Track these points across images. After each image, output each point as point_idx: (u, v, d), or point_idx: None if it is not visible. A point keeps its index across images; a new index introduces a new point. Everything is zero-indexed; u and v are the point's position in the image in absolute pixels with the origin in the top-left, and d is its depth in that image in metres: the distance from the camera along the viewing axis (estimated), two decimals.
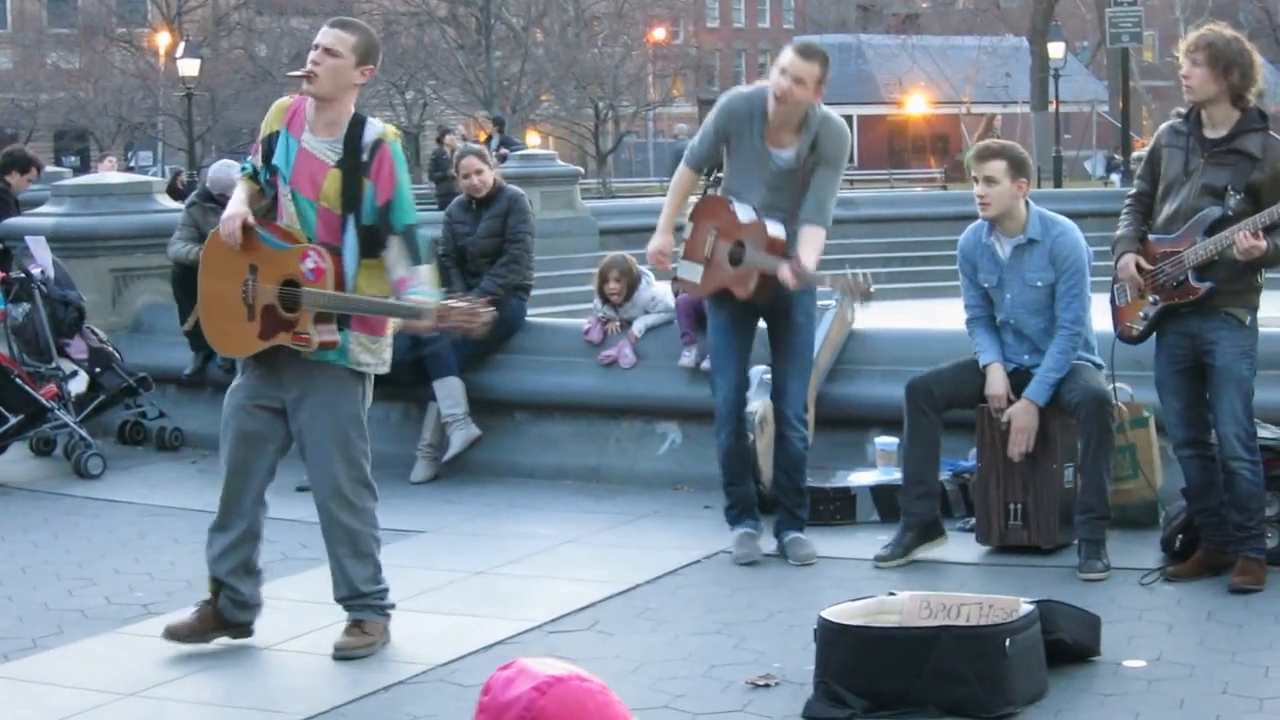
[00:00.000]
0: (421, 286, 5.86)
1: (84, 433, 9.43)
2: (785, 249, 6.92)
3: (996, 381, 7.03)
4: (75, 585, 6.98)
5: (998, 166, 6.97)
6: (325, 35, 5.90)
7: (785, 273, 6.77)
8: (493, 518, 8.16)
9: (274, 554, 7.34)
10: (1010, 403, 7.00)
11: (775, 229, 6.95)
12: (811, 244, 6.92)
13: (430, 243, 6.09)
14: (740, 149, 7.07)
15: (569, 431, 9.20)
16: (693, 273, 7.15)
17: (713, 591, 6.70)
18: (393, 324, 6.02)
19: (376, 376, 6.12)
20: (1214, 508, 6.62)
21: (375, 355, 5.97)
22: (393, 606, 6.09)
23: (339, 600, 6.06)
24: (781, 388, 7.23)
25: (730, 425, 7.20)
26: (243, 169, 6.17)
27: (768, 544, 7.22)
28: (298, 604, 6.48)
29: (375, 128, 5.92)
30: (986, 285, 7.14)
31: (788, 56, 6.92)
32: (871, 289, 6.85)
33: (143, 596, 6.78)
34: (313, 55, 5.89)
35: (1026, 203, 7.06)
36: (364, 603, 6.00)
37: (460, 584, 6.91)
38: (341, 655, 5.89)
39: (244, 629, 6.08)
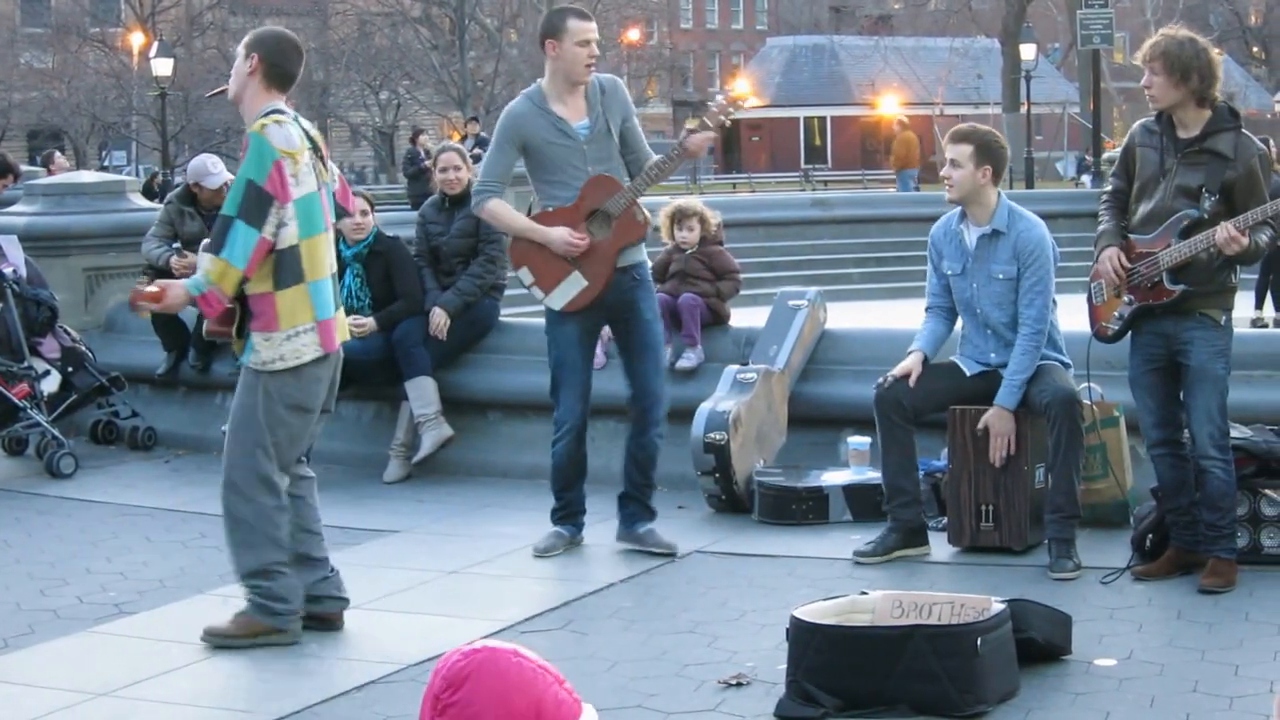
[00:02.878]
0: (195, 274, 6.07)
1: (56, 432, 9.40)
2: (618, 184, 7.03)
3: (908, 364, 7.04)
4: (47, 585, 6.96)
5: (964, 150, 6.98)
6: None
7: (684, 147, 6.92)
8: (466, 517, 8.16)
9: None
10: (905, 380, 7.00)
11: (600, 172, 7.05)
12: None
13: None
14: (542, 147, 7.09)
15: (543, 431, 9.12)
16: (575, 286, 7.08)
17: (685, 591, 6.71)
18: (301, 319, 5.94)
19: (344, 375, 6.26)
20: (1185, 507, 6.63)
21: (274, 349, 5.96)
22: (286, 610, 6.01)
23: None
24: (646, 388, 7.21)
25: (572, 435, 7.26)
26: None
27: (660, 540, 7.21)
28: None
29: (259, 119, 5.95)
30: (950, 273, 7.13)
31: (578, 24, 6.99)
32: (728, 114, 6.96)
33: (115, 596, 6.76)
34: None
35: (999, 194, 7.07)
36: (246, 595, 6.04)
37: (433, 584, 6.90)
38: (204, 635, 5.98)
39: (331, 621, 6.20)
